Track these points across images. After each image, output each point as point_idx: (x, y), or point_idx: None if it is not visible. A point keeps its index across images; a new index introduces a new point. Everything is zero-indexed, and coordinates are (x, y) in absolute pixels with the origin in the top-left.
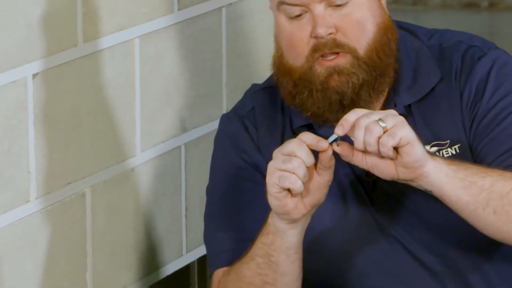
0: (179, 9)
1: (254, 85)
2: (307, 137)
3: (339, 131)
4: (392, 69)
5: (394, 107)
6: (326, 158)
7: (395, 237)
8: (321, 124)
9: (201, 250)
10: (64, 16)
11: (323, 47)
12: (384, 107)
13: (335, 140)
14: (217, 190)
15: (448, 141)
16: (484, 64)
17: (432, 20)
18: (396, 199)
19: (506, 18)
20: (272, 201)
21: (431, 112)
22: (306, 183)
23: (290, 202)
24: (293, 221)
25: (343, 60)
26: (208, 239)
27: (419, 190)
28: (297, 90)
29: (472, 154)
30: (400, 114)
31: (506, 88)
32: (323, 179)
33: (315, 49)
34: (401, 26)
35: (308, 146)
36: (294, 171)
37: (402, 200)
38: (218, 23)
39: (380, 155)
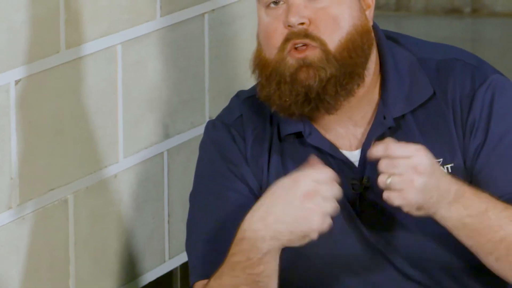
0: (161, 16)
1: (240, 92)
2: None
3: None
4: (363, 69)
5: (384, 119)
6: None
7: (380, 250)
8: (309, 133)
9: (184, 257)
10: (47, 23)
11: (294, 37)
12: (374, 119)
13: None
14: (201, 199)
15: (442, 159)
16: (486, 91)
17: (414, 26)
18: (382, 212)
19: (489, 24)
20: (296, 241)
21: (426, 126)
22: None
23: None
24: None
25: (311, 53)
26: (190, 249)
27: None
28: (268, 82)
29: (473, 179)
30: (389, 128)
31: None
32: None
33: (286, 39)
34: (389, 36)
35: None
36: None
37: (389, 213)
38: (200, 29)
39: None
